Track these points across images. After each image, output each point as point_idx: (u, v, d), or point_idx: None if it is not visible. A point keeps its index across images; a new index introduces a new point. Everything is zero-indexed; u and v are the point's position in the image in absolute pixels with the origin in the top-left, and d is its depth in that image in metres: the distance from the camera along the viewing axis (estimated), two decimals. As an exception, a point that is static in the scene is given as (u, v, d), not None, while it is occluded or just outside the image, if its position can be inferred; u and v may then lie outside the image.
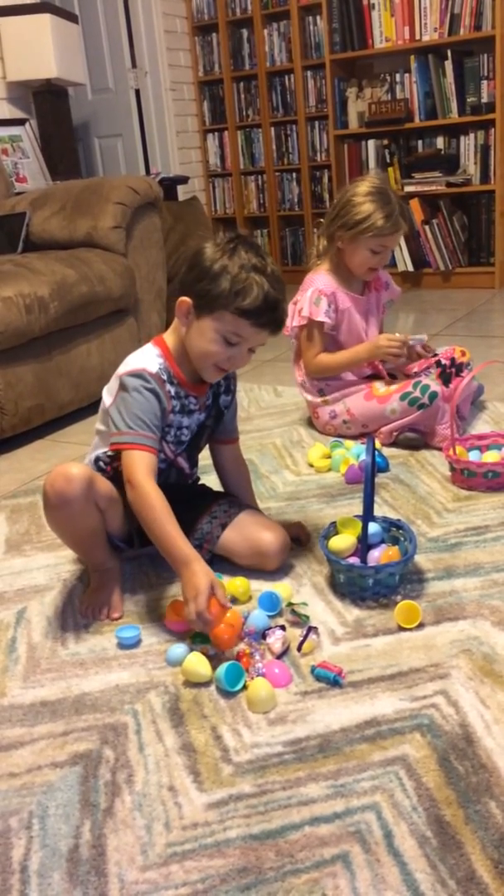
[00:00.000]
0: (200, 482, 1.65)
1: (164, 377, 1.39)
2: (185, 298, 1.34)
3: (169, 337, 1.42)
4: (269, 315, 1.31)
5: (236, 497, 1.59)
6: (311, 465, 1.99)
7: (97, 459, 1.47)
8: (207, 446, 1.59)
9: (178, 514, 1.35)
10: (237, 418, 1.59)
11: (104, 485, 1.39)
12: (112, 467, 1.44)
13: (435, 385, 1.96)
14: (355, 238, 2.00)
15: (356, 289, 2.14)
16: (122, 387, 1.36)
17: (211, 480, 1.65)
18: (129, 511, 1.40)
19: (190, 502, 1.54)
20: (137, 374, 1.36)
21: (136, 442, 1.32)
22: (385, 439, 2.04)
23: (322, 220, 2.15)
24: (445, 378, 2.05)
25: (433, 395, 1.94)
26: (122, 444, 1.33)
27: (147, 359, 1.39)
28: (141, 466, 1.29)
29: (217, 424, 1.54)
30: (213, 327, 1.32)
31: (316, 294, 2.06)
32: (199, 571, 1.22)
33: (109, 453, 1.44)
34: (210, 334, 1.33)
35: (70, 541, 1.46)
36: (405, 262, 4.27)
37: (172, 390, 1.40)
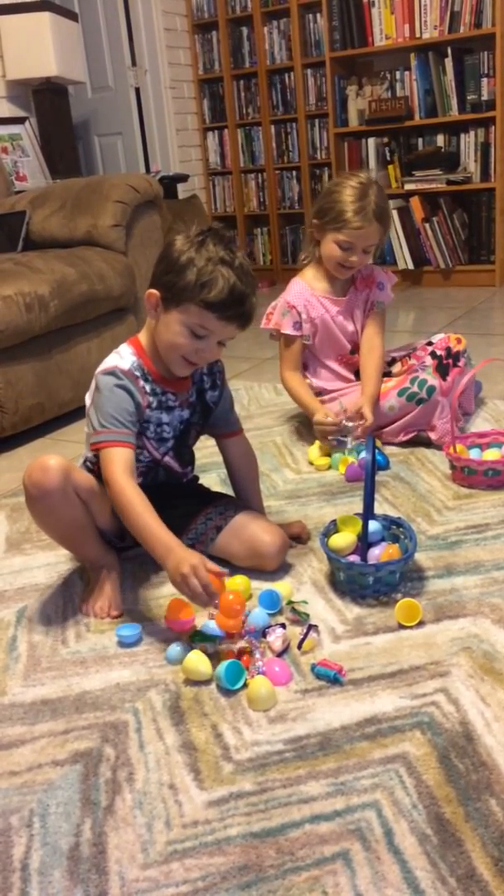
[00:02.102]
0: (199, 482, 1.65)
1: (138, 374, 1.40)
2: (153, 291, 1.35)
3: (143, 335, 1.44)
4: (236, 308, 1.30)
5: (233, 498, 1.59)
6: (312, 463, 1.99)
7: (85, 460, 1.50)
8: (214, 443, 1.59)
9: (171, 515, 1.37)
10: (233, 410, 1.57)
11: (83, 476, 1.40)
12: (98, 468, 1.43)
13: (432, 379, 1.95)
14: (323, 228, 1.98)
15: (339, 290, 2.09)
16: (97, 387, 1.39)
17: (210, 480, 1.65)
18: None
19: (184, 502, 1.54)
20: (109, 372, 1.38)
21: (109, 440, 1.32)
22: (389, 438, 2.03)
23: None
24: (442, 370, 2.01)
25: (431, 390, 1.93)
26: (98, 444, 1.33)
27: (120, 357, 1.41)
28: (117, 464, 1.30)
29: (205, 421, 1.54)
30: (180, 320, 1.32)
31: (284, 305, 2.06)
32: (183, 553, 1.21)
33: (90, 455, 1.46)
34: (177, 327, 1.33)
35: (56, 535, 1.46)
36: (405, 259, 4.27)
37: (148, 387, 1.41)
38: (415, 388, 1.95)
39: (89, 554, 1.47)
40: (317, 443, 2.04)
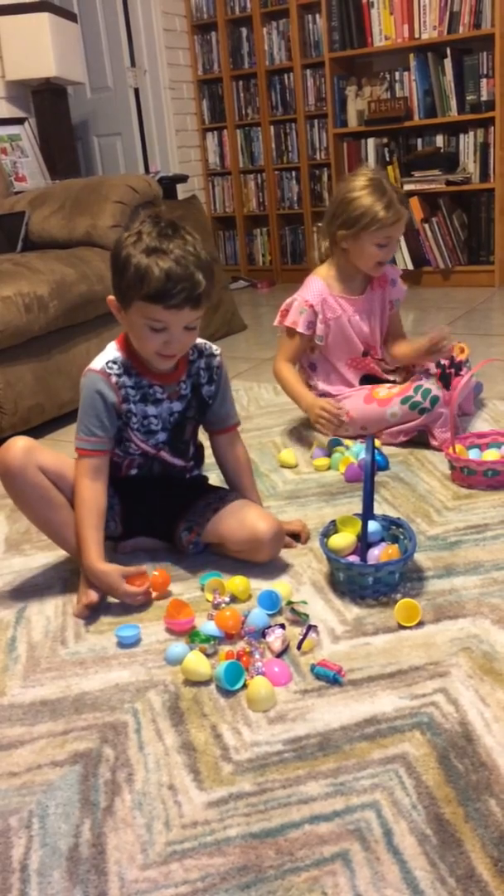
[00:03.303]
0: (208, 482, 1.66)
1: (118, 370, 1.43)
2: (110, 297, 1.37)
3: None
4: (179, 294, 1.28)
5: (234, 491, 1.59)
6: (282, 465, 1.98)
7: None
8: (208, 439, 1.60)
9: (170, 504, 1.49)
10: (229, 405, 1.57)
11: (50, 456, 1.45)
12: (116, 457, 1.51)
13: (436, 389, 1.95)
14: (358, 235, 1.95)
15: (356, 289, 2.10)
16: (81, 387, 1.44)
17: (209, 480, 1.65)
18: (115, 498, 1.51)
19: (184, 492, 1.56)
20: (84, 375, 1.44)
21: (79, 447, 1.43)
22: (389, 440, 2.03)
23: (320, 222, 2.13)
24: (445, 380, 2.02)
25: (434, 400, 1.93)
26: (76, 450, 1.44)
27: (100, 356, 1.45)
28: (81, 470, 1.42)
29: (202, 416, 1.54)
30: (136, 319, 1.34)
31: (302, 304, 2.05)
32: (99, 572, 1.37)
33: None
34: (137, 326, 1.35)
35: (33, 516, 1.47)
36: (405, 260, 4.27)
37: (130, 381, 1.44)
38: (418, 398, 1.95)
39: (71, 543, 1.47)
40: (288, 449, 2.04)
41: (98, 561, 1.38)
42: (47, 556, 1.64)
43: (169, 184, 3.92)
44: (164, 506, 1.53)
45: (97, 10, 4.54)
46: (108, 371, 1.42)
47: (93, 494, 1.41)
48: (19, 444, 1.41)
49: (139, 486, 1.54)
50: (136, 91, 4.65)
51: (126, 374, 1.43)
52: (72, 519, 1.45)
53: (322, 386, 2.15)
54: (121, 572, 1.38)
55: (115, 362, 1.43)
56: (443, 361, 2.08)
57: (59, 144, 3.76)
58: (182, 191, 4.24)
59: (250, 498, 1.58)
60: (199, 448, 1.62)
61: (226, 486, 1.63)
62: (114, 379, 1.42)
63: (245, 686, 1.15)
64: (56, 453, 1.48)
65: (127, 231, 1.34)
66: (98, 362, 1.44)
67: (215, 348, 1.53)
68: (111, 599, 1.42)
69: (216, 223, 5.12)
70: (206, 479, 1.66)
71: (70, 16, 3.76)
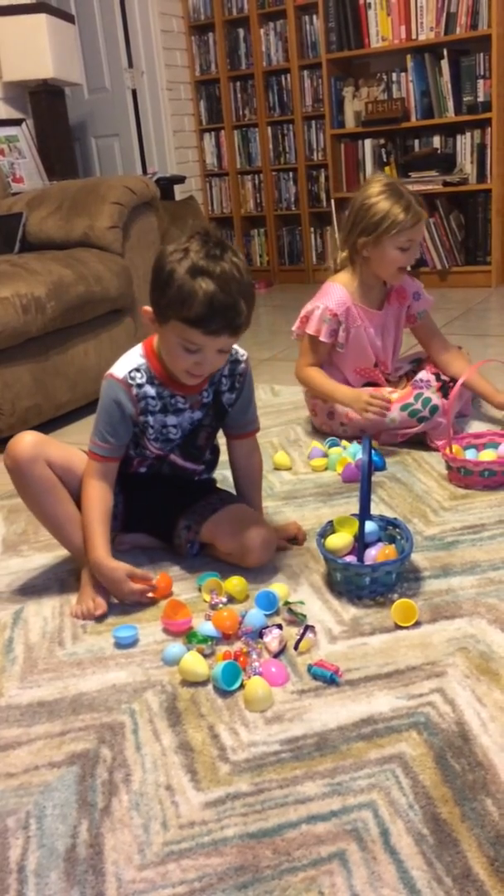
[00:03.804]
0: (216, 484, 1.67)
1: (141, 379, 1.41)
2: (147, 308, 1.35)
3: (156, 336, 1.42)
4: (219, 321, 1.25)
5: (235, 495, 1.60)
6: (278, 468, 1.98)
7: None
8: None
9: (174, 502, 1.49)
10: (251, 411, 1.55)
11: (58, 451, 1.45)
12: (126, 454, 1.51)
13: (436, 398, 1.95)
14: (380, 240, 1.93)
15: (374, 303, 2.08)
16: (102, 391, 1.44)
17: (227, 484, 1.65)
18: (119, 496, 1.51)
19: (189, 490, 1.56)
20: (106, 379, 1.43)
21: (91, 450, 1.44)
22: (387, 439, 2.04)
23: (328, 227, 2.11)
24: (445, 392, 2.01)
25: (434, 409, 1.93)
26: (87, 451, 1.45)
27: (124, 361, 1.44)
28: (91, 472, 1.43)
29: (219, 422, 1.53)
30: (171, 337, 1.31)
31: (326, 313, 2.01)
32: (106, 568, 1.37)
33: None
34: (170, 343, 1.32)
35: (39, 512, 1.47)
36: (402, 261, 4.27)
37: (153, 391, 1.42)
38: (418, 406, 1.95)
39: (75, 540, 1.47)
40: (280, 452, 2.04)
41: (106, 557, 1.39)
42: (45, 557, 1.64)
43: (167, 185, 3.93)
44: (167, 504, 1.54)
45: (94, 11, 4.55)
46: (130, 382, 1.41)
47: (101, 494, 1.42)
48: (28, 439, 1.41)
49: (145, 483, 1.55)
50: (134, 92, 4.66)
51: (149, 384, 1.42)
52: (76, 515, 1.45)
53: None
54: (128, 571, 1.38)
55: (138, 370, 1.41)
56: (444, 377, 2.08)
57: (57, 145, 3.76)
58: (180, 192, 4.25)
59: (252, 505, 1.58)
60: (216, 452, 1.62)
61: (230, 489, 1.63)
62: (134, 391, 1.41)
63: (242, 686, 1.15)
64: (64, 447, 1.48)
65: (173, 244, 1.29)
66: (121, 369, 1.42)
67: (241, 353, 1.49)
68: (112, 599, 1.42)
69: (214, 224, 5.12)
70: (214, 481, 1.66)
71: (67, 17, 3.76)
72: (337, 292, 2.04)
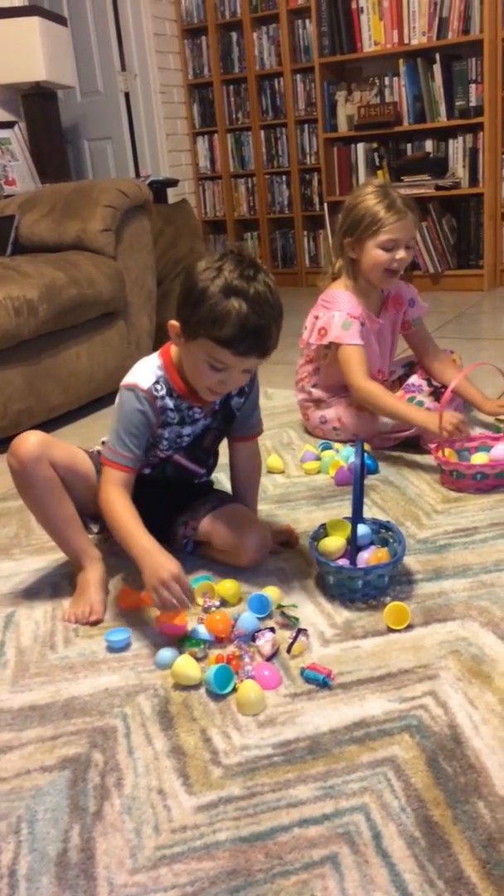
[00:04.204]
0: (213, 485, 1.67)
1: (161, 392, 1.39)
2: (174, 322, 1.33)
3: (175, 348, 1.40)
4: (250, 342, 1.25)
5: (232, 496, 1.60)
6: (270, 471, 1.98)
7: (104, 442, 1.52)
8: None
9: (172, 503, 1.46)
10: (257, 414, 1.55)
11: (62, 452, 1.43)
12: None
13: (429, 402, 1.95)
14: (362, 240, 1.92)
15: (373, 309, 2.06)
16: (119, 399, 1.39)
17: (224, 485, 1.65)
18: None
19: (189, 492, 1.56)
20: (131, 390, 1.38)
21: (112, 460, 1.37)
22: (380, 442, 2.04)
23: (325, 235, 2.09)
24: (437, 396, 2.01)
25: None
26: (103, 458, 1.39)
27: (145, 372, 1.40)
28: (112, 481, 1.37)
29: (227, 426, 1.53)
30: (198, 353, 1.30)
31: (345, 318, 1.97)
32: (161, 559, 1.27)
33: None
34: (196, 360, 1.31)
35: (39, 512, 1.45)
36: (395, 264, 4.28)
37: (171, 403, 1.40)
38: None
39: (74, 543, 1.47)
40: (273, 455, 2.03)
41: (159, 545, 1.30)
42: (36, 560, 1.63)
43: (159, 188, 3.92)
44: (165, 503, 1.53)
45: (87, 14, 4.55)
46: (155, 394, 1.39)
47: (127, 503, 1.35)
48: (33, 439, 1.39)
49: (146, 483, 1.54)
50: (127, 95, 4.66)
51: (168, 396, 1.40)
52: (76, 517, 1.45)
53: (317, 393, 2.14)
54: (181, 572, 1.28)
55: (158, 382, 1.39)
56: (436, 383, 2.09)
57: (50, 148, 3.76)
58: (173, 195, 4.25)
59: (249, 507, 1.59)
60: (216, 456, 1.62)
61: (228, 491, 1.63)
62: (158, 402, 1.39)
63: (235, 690, 1.15)
64: (68, 447, 1.46)
65: (204, 261, 1.27)
66: (145, 380, 1.39)
67: None
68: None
69: (207, 227, 5.12)
70: (212, 483, 1.66)
71: (60, 20, 3.76)
72: (345, 297, 2.01)
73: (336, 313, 1.98)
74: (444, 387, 2.03)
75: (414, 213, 1.95)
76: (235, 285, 1.23)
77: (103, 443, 1.47)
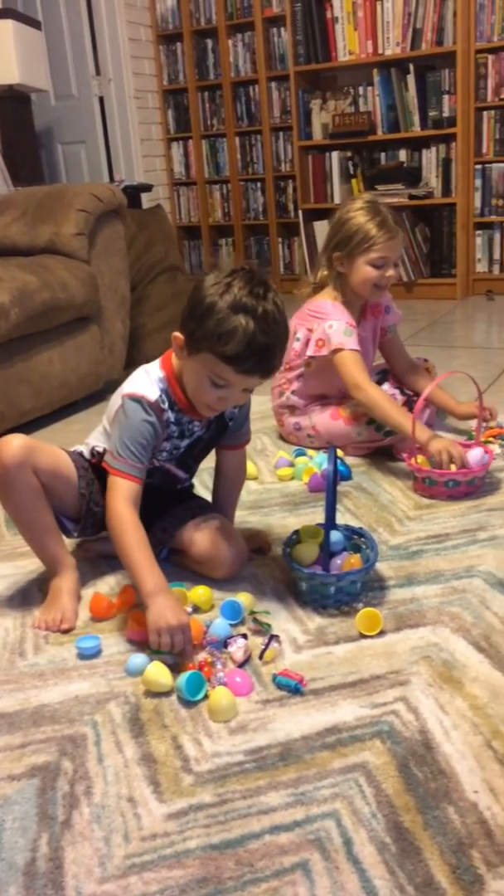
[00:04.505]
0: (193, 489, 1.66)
1: (165, 405, 1.37)
2: (178, 334, 1.31)
3: (176, 360, 1.38)
4: (255, 361, 1.23)
5: (212, 504, 1.59)
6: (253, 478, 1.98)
7: (92, 449, 1.50)
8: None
9: (152, 504, 1.42)
10: (247, 424, 1.54)
11: (46, 458, 1.40)
12: (100, 461, 1.45)
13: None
14: (352, 256, 1.94)
15: (355, 318, 2.06)
16: (123, 410, 1.35)
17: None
18: (93, 496, 1.47)
19: (170, 498, 1.55)
20: (137, 400, 1.35)
21: (122, 470, 1.33)
22: (353, 451, 2.05)
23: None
24: (410, 406, 2.02)
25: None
26: (111, 468, 1.34)
27: (149, 384, 1.37)
28: (123, 494, 1.32)
29: (220, 436, 1.52)
30: (200, 369, 1.28)
31: (346, 326, 1.97)
32: (169, 603, 1.23)
33: (100, 448, 1.48)
34: (198, 374, 1.29)
35: (16, 516, 1.44)
36: (368, 272, 4.31)
37: (172, 416, 1.39)
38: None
39: (50, 549, 1.45)
40: (248, 461, 2.02)
41: (171, 594, 1.27)
42: (6, 567, 1.61)
43: (134, 193, 3.91)
44: (146, 508, 1.51)
45: (62, 17, 4.53)
46: (162, 406, 1.37)
47: (137, 519, 1.31)
48: (16, 443, 1.36)
49: None
50: (101, 99, 4.65)
51: (170, 409, 1.38)
52: (54, 524, 1.44)
53: (294, 400, 2.14)
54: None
55: (162, 395, 1.37)
56: (407, 391, 2.10)
57: (23, 151, 3.74)
58: (147, 200, 4.24)
59: (227, 515, 1.58)
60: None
61: (208, 498, 1.63)
62: (165, 415, 1.38)
63: (206, 697, 1.15)
64: (51, 451, 1.44)
65: (212, 275, 1.26)
66: (151, 391, 1.36)
67: None
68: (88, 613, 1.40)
69: (181, 232, 5.12)
70: (192, 486, 1.66)
71: (34, 23, 3.75)
72: (335, 307, 2.01)
73: (334, 322, 1.98)
74: (417, 395, 2.04)
75: (403, 232, 1.98)
76: (244, 302, 1.21)
77: (103, 451, 1.44)
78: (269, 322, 1.23)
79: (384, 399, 1.91)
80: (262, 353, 1.23)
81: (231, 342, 1.21)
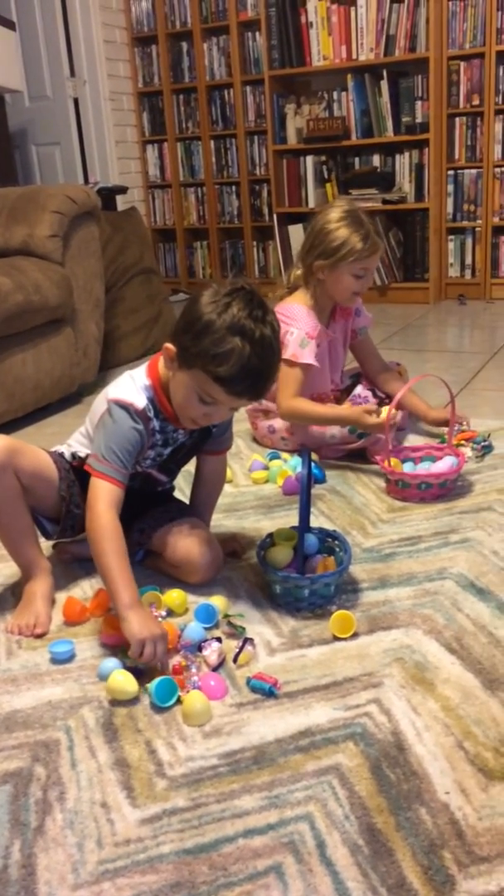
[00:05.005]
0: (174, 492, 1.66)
1: (151, 413, 1.37)
2: (169, 346, 1.30)
3: (163, 369, 1.37)
4: (246, 384, 1.24)
5: (190, 508, 1.59)
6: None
7: (74, 454, 1.49)
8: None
9: (131, 505, 1.39)
10: (230, 431, 1.54)
11: (28, 460, 1.39)
12: (81, 465, 1.43)
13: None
14: (336, 266, 1.95)
15: (325, 321, 2.08)
16: (111, 416, 1.34)
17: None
18: (74, 498, 1.46)
19: (149, 500, 1.55)
20: (124, 407, 1.34)
21: (106, 473, 1.31)
22: (328, 453, 2.06)
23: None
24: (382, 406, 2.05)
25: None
26: (94, 471, 1.32)
27: (135, 391, 1.36)
28: (105, 498, 1.29)
29: (202, 443, 1.51)
30: (190, 384, 1.27)
31: (304, 337, 1.98)
32: (143, 617, 1.22)
33: (83, 453, 1.47)
34: (187, 390, 1.29)
35: None
36: (342, 276, 4.33)
37: (157, 425, 1.39)
38: None
39: (25, 553, 1.44)
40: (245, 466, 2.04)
41: (145, 609, 1.26)
42: (-21, 570, 1.60)
43: (108, 195, 3.90)
44: (125, 510, 1.50)
45: (36, 18, 4.50)
46: (149, 415, 1.36)
47: (117, 526, 1.29)
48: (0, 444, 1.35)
49: None
50: (76, 101, 4.63)
51: (155, 418, 1.38)
52: (32, 527, 1.44)
53: (266, 403, 2.14)
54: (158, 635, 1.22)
55: (148, 404, 1.36)
56: (379, 392, 2.11)
57: (-4, 152, 3.72)
58: (122, 202, 4.23)
59: (204, 519, 1.58)
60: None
61: (185, 501, 1.62)
62: (151, 424, 1.37)
63: (179, 702, 1.14)
64: (33, 452, 1.42)
65: (210, 291, 1.25)
66: (139, 399, 1.35)
67: None
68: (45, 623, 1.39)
69: (156, 235, 5.11)
70: (173, 488, 1.65)
71: (8, 24, 3.73)
72: (303, 313, 2.02)
73: (294, 330, 1.99)
74: (389, 397, 2.06)
75: (381, 239, 2.00)
76: (243, 324, 1.21)
77: (85, 456, 1.42)
78: (265, 347, 1.23)
79: (307, 404, 1.98)
80: (254, 377, 1.23)
81: (225, 364, 1.21)
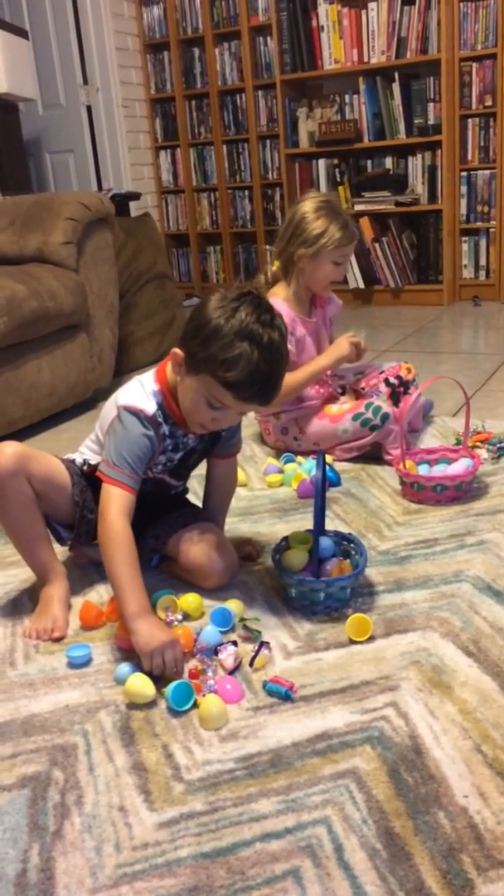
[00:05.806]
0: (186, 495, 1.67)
1: (161, 419, 1.37)
2: (178, 350, 1.30)
3: (171, 374, 1.37)
4: (255, 389, 1.23)
5: (204, 512, 1.59)
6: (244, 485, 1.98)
7: (85, 461, 1.50)
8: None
9: (145, 510, 1.39)
10: (239, 434, 1.54)
11: (40, 466, 1.40)
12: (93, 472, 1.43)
13: (387, 406, 1.98)
14: (318, 254, 1.98)
15: (305, 311, 2.12)
16: (121, 422, 1.35)
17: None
18: (87, 504, 1.46)
19: (163, 504, 1.55)
20: (135, 414, 1.34)
21: (118, 479, 1.31)
22: (342, 455, 2.06)
23: (270, 245, 2.15)
24: (395, 398, 2.05)
25: (385, 417, 1.96)
26: (107, 477, 1.32)
27: (146, 397, 1.37)
28: (117, 504, 1.30)
29: (212, 447, 1.52)
30: (199, 389, 1.28)
31: None
32: (152, 626, 1.22)
33: (94, 461, 1.47)
34: (195, 393, 1.29)
35: (8, 524, 1.43)
36: (356, 279, 4.33)
37: (167, 430, 1.39)
38: (369, 415, 1.98)
39: (40, 558, 1.45)
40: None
41: (154, 618, 1.26)
42: (-4, 575, 1.61)
43: (122, 201, 3.92)
44: (139, 515, 1.51)
45: (49, 27, 4.54)
46: (159, 420, 1.37)
47: (128, 534, 1.28)
48: (9, 451, 1.36)
49: None
50: (89, 108, 4.66)
51: (165, 423, 1.38)
52: (45, 532, 1.44)
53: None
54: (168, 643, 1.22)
55: (158, 410, 1.36)
56: (392, 380, 2.11)
57: (10, 160, 3.75)
58: (135, 208, 4.25)
59: (218, 523, 1.58)
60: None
61: (199, 505, 1.63)
62: (161, 429, 1.38)
63: (195, 706, 1.15)
64: (45, 459, 1.43)
65: (217, 296, 1.26)
66: (148, 405, 1.35)
67: None
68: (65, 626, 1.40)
69: (169, 240, 5.13)
70: (186, 490, 1.66)
71: (21, 32, 3.76)
72: (286, 310, 2.02)
73: None
74: (402, 385, 2.08)
75: (357, 229, 2.07)
76: (251, 329, 1.21)
77: (96, 464, 1.42)
78: (273, 352, 1.23)
79: (291, 378, 1.94)
80: (263, 382, 1.24)
81: (234, 369, 1.21)
